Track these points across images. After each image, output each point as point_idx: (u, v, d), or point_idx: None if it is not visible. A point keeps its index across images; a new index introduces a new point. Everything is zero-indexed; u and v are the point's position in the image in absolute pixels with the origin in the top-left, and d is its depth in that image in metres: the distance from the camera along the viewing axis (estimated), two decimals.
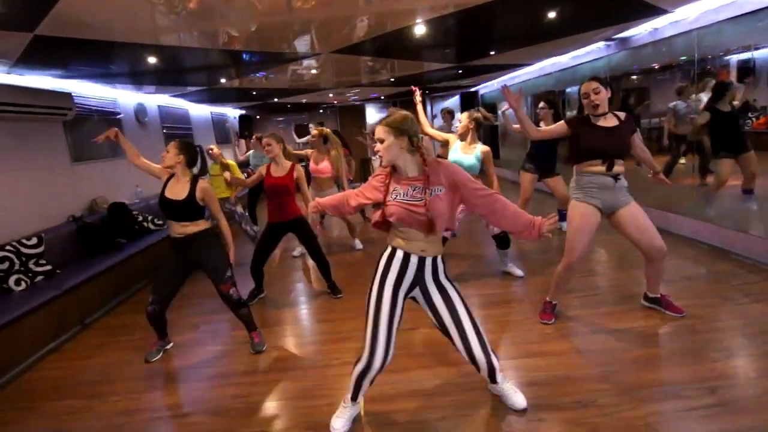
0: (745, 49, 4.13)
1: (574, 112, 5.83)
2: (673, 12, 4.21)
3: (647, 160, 2.85)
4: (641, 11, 4.12)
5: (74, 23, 2.90)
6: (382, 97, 11.43)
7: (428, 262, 1.92)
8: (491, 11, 3.61)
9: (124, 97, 6.08)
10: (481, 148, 3.46)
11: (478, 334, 1.96)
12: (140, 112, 6.43)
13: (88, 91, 5.28)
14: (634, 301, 3.10)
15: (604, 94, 2.63)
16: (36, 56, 3.53)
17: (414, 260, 1.90)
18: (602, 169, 2.66)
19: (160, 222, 5.42)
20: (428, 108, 12.49)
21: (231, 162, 5.24)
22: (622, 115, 2.71)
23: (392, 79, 7.60)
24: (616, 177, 2.67)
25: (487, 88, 10.93)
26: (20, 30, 2.88)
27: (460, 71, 7.43)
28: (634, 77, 6.01)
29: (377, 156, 1.88)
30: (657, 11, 4.14)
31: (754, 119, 4.41)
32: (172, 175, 2.85)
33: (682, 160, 5.04)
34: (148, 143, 6.50)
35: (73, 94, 4.67)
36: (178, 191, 2.80)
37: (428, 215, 1.78)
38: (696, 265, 3.78)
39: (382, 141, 1.84)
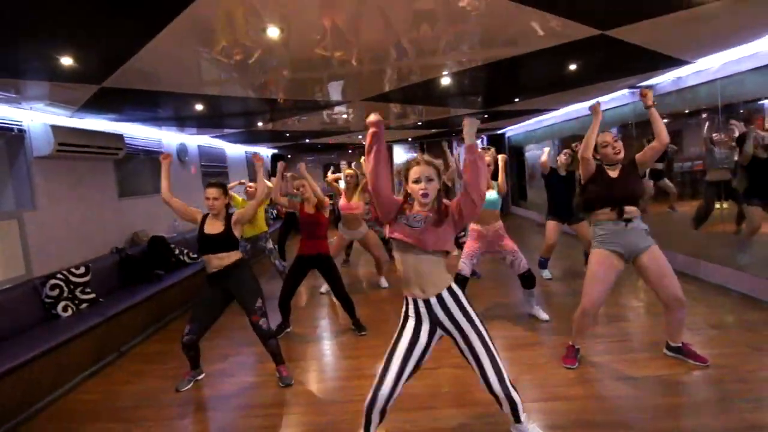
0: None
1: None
2: (694, 63, 4.33)
3: (657, 134, 2.79)
4: (663, 63, 4.25)
5: (136, 76, 3.24)
6: (410, 139, 11.75)
7: (433, 301, 1.98)
8: (517, 62, 3.79)
9: (168, 138, 6.55)
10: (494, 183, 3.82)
11: (496, 367, 1.98)
12: (182, 151, 6.88)
13: (136, 132, 5.72)
14: (659, 349, 3.06)
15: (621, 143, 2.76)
16: (97, 103, 3.91)
17: (421, 304, 2.00)
18: (612, 215, 2.74)
19: (195, 256, 5.68)
20: (454, 149, 12.71)
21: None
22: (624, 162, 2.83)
23: (419, 123, 7.89)
24: (627, 221, 2.73)
25: (513, 130, 11.01)
26: (90, 83, 3.24)
27: (486, 116, 7.66)
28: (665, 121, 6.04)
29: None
30: (679, 63, 4.27)
31: None
32: (206, 215, 3.11)
33: (717, 205, 4.98)
34: (187, 180, 6.92)
35: (124, 135, 5.09)
36: (215, 226, 3.04)
37: (420, 236, 1.91)
38: (725, 314, 3.71)
39: (431, 180, 1.94)
